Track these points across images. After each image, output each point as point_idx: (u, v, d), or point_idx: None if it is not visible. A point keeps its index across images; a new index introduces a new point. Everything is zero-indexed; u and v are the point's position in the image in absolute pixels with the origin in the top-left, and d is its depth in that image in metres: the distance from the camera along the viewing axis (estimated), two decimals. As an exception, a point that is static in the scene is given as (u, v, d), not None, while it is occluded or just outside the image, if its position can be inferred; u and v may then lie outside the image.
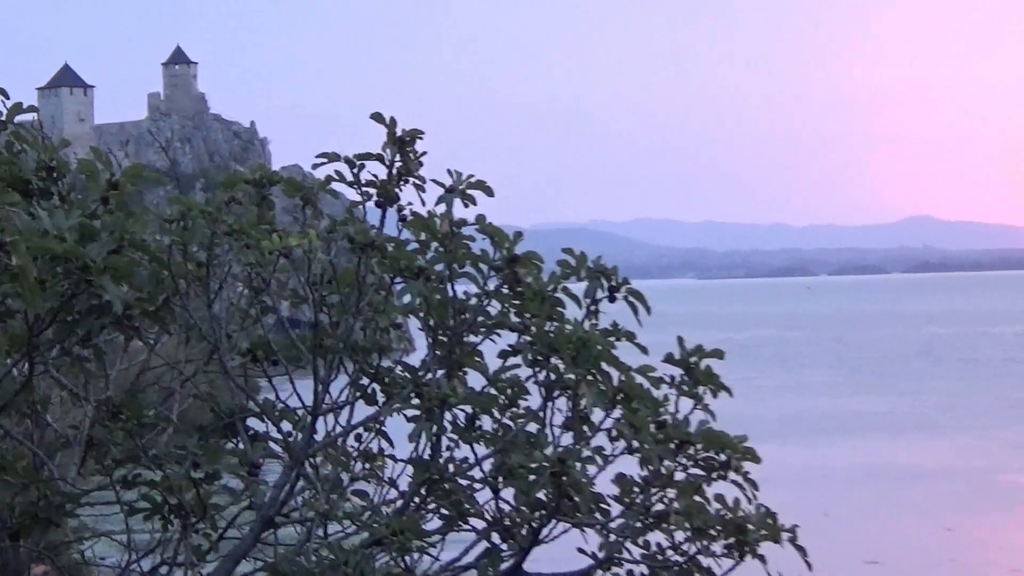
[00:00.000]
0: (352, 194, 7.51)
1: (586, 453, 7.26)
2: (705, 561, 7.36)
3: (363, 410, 7.52)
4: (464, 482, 7.34)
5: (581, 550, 7.31)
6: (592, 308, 7.41)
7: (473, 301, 7.45)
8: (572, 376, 7.21)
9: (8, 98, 7.34)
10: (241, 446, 7.44)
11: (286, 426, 7.47)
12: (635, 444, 7.26)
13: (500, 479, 7.22)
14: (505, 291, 7.41)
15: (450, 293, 7.42)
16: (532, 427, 7.36)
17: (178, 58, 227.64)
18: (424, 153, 7.51)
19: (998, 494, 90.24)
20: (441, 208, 7.39)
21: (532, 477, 7.09)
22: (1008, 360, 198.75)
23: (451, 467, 7.33)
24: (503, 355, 7.44)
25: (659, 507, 7.33)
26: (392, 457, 7.54)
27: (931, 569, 69.88)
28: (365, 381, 7.51)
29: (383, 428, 7.56)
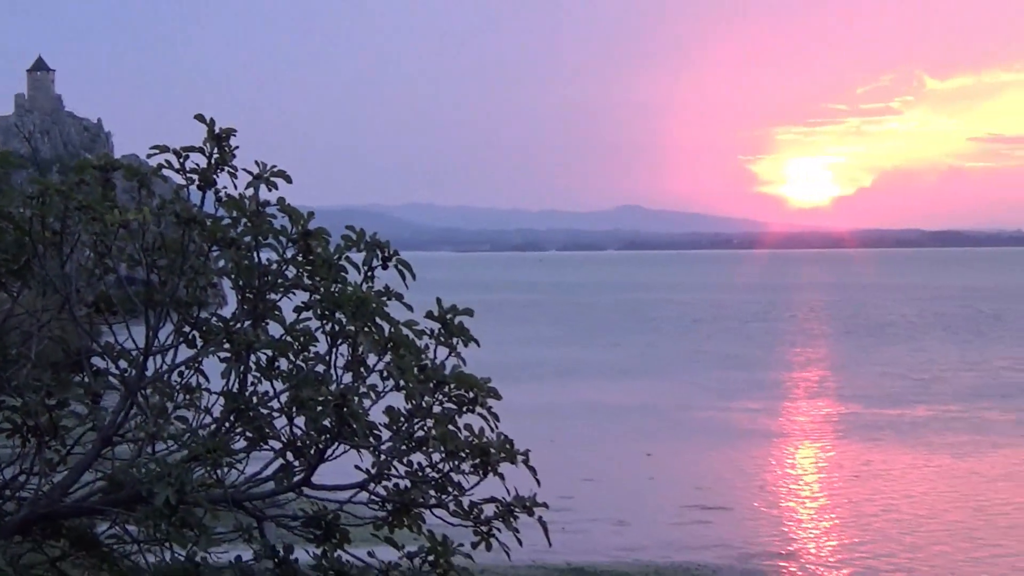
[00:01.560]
0: (179, 179, 7.51)
1: (363, 389, 7.33)
2: (456, 477, 7.41)
3: (185, 352, 7.53)
4: (265, 411, 7.35)
5: (358, 467, 7.34)
6: (369, 274, 7.49)
7: (274, 266, 7.48)
8: (352, 328, 7.31)
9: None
10: (86, 379, 7.43)
11: (123, 364, 7.47)
12: (402, 383, 7.30)
13: (294, 409, 7.23)
14: (300, 259, 7.46)
15: (256, 259, 7.47)
16: (320, 368, 7.39)
17: (40, 66, 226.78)
18: (237, 147, 7.52)
19: (684, 426, 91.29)
20: (249, 191, 7.44)
21: (319, 408, 7.13)
22: (692, 320, 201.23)
23: (255, 399, 7.36)
24: (297, 310, 7.47)
25: (420, 434, 7.36)
26: (208, 390, 7.53)
27: (634, 484, 70.75)
28: (187, 329, 7.53)
29: (201, 367, 7.57)
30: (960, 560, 55.00)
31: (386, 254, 7.53)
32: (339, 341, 7.40)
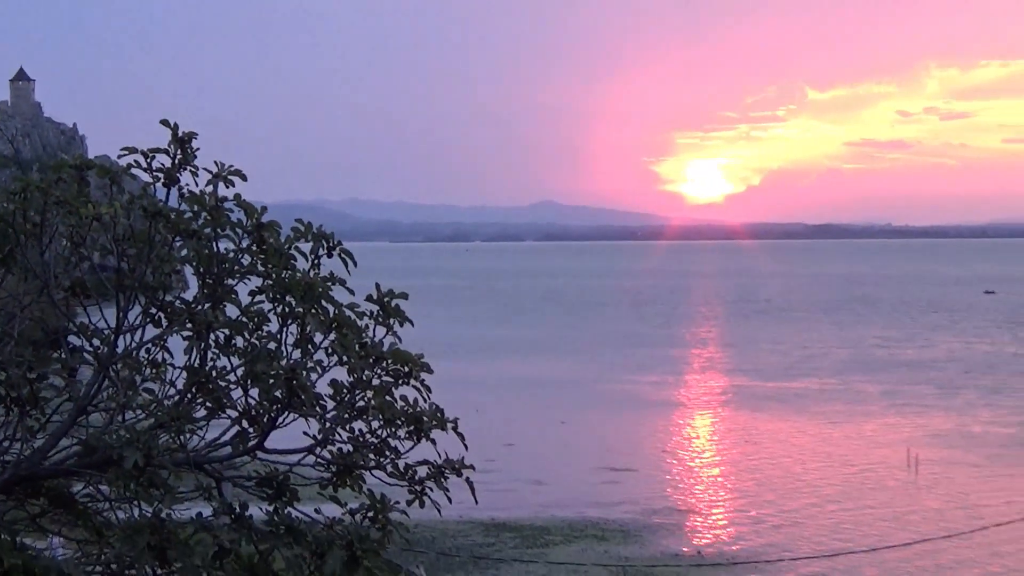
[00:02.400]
0: (146, 177, 7.49)
1: (310, 364, 7.32)
2: (393, 442, 7.42)
3: (151, 331, 7.51)
4: (223, 383, 7.33)
5: (306, 433, 7.33)
6: (315, 261, 7.46)
7: (231, 255, 7.45)
8: (301, 310, 7.31)
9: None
10: (63, 355, 7.40)
11: (96, 342, 7.41)
12: (344, 359, 7.32)
13: (249, 382, 7.24)
14: (254, 248, 7.43)
15: (215, 249, 7.44)
16: (272, 345, 7.38)
17: (21, 76, 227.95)
18: (198, 149, 7.51)
19: (595, 397, 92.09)
20: (209, 188, 7.44)
21: (271, 381, 7.14)
22: (603, 304, 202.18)
23: (214, 373, 7.33)
24: (252, 294, 7.45)
25: (361, 404, 7.36)
26: (172, 365, 7.50)
27: (550, 449, 71.06)
28: (153, 311, 7.48)
29: (165, 344, 7.54)
30: (833, 512, 55.65)
31: (330, 244, 7.51)
32: (289, 321, 7.39)
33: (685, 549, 48.95)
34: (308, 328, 7.34)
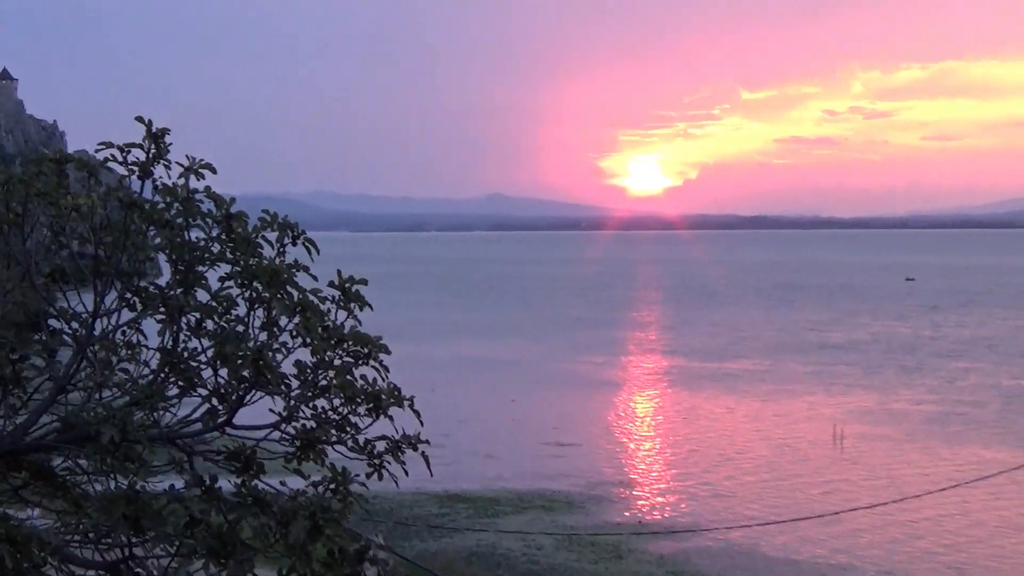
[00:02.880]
0: (122, 170, 7.46)
1: (276, 346, 7.32)
2: (353, 419, 7.43)
3: (127, 315, 7.49)
4: (194, 364, 7.31)
5: (271, 410, 7.32)
6: (280, 249, 7.45)
7: (202, 244, 7.43)
8: (267, 294, 7.30)
9: None
10: (44, 338, 7.39)
11: (75, 325, 7.39)
12: (308, 341, 7.30)
13: (218, 362, 7.22)
14: (223, 237, 7.42)
15: (186, 238, 7.41)
16: (240, 328, 7.37)
17: (4, 76, 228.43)
18: (171, 143, 7.49)
19: (543, 377, 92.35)
20: (181, 181, 7.42)
21: (239, 361, 7.13)
22: (550, 290, 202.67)
23: (185, 354, 7.32)
24: (221, 280, 7.43)
25: (323, 383, 7.36)
26: (146, 347, 7.48)
27: (501, 425, 71.20)
28: (129, 295, 7.46)
29: (140, 327, 7.52)
30: (764, 483, 55.99)
31: (295, 233, 7.49)
32: (256, 306, 7.38)
33: (627, 517, 49.23)
34: (274, 312, 7.34)
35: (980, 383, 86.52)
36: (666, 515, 49.70)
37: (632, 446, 66.37)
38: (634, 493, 54.26)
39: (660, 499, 53.10)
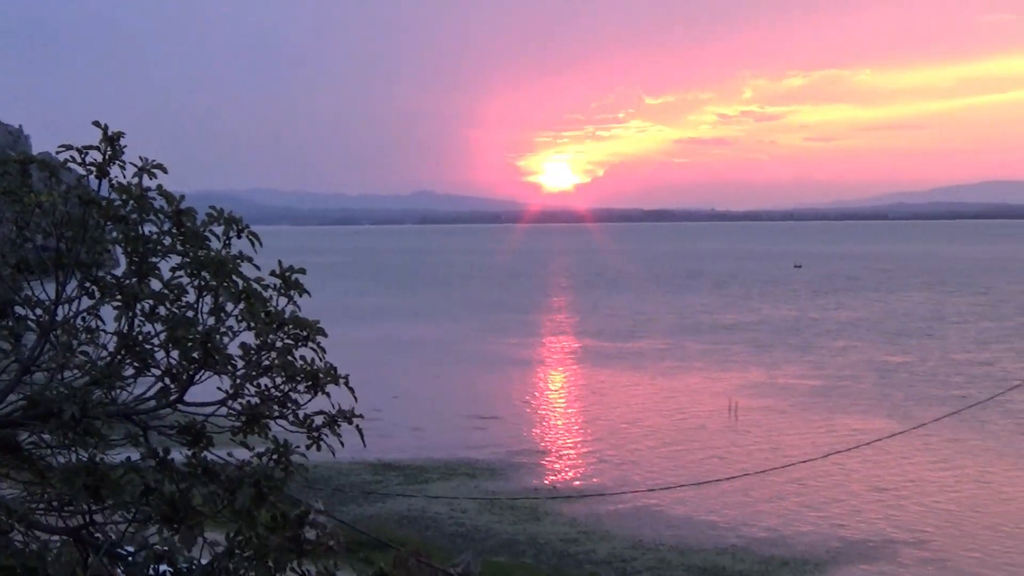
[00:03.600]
0: (81, 170, 7.42)
1: (223, 330, 7.29)
2: (294, 396, 7.41)
3: (86, 302, 7.45)
4: (148, 346, 7.29)
5: (219, 388, 7.30)
6: (226, 242, 7.40)
7: (154, 237, 7.39)
8: (214, 283, 7.27)
9: None
10: (10, 323, 7.34)
11: (38, 311, 7.35)
12: (252, 325, 7.29)
13: (170, 345, 7.19)
14: (174, 231, 7.38)
15: (140, 232, 7.38)
16: (190, 314, 7.33)
17: None
18: (125, 146, 7.44)
19: (465, 356, 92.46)
20: (135, 180, 7.40)
21: (190, 344, 7.11)
22: (471, 277, 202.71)
23: (140, 337, 7.29)
24: (173, 270, 7.38)
25: (266, 363, 7.34)
26: (104, 331, 7.45)
27: (427, 399, 71.18)
28: (88, 284, 7.41)
29: (98, 313, 7.47)
30: (666, 452, 56.41)
31: (239, 227, 7.45)
32: (204, 293, 7.35)
33: (543, 483, 49.46)
34: (221, 299, 7.32)
35: (858, 360, 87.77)
36: (578, 481, 50.00)
37: (547, 418, 66.63)
38: (549, 461, 54.51)
39: (572, 466, 53.40)
